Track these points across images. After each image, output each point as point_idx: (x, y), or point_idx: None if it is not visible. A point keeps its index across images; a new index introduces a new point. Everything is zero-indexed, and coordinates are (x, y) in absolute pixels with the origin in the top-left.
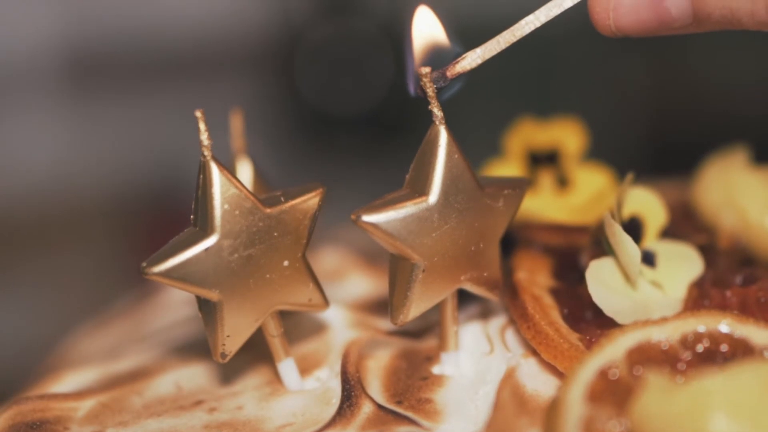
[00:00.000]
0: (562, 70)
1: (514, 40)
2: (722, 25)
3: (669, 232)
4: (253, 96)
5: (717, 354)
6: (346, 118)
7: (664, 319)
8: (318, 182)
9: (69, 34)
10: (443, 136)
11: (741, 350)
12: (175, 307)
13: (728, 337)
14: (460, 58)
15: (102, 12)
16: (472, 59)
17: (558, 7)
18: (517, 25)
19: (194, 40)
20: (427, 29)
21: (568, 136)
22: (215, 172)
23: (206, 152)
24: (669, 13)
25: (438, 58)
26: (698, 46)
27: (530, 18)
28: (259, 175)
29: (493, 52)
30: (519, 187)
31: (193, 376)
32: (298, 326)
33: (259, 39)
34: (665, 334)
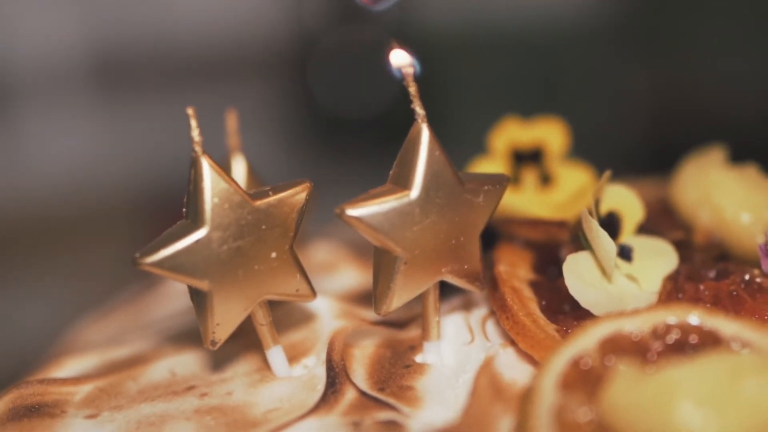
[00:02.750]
0: (563, 74)
1: None
2: None
3: (647, 228)
4: (268, 98)
5: (686, 345)
6: (357, 120)
7: (636, 311)
8: (305, 178)
9: (94, 39)
10: (425, 134)
11: (710, 341)
12: (175, 297)
13: (698, 329)
14: None
15: (125, 17)
16: None
17: None
18: None
19: (214, 46)
20: None
21: (551, 135)
22: (206, 167)
23: (197, 148)
24: None
25: None
26: (698, 51)
27: None
28: (252, 171)
29: None
30: (499, 183)
31: (187, 363)
32: (287, 316)
33: (275, 44)
34: (637, 326)
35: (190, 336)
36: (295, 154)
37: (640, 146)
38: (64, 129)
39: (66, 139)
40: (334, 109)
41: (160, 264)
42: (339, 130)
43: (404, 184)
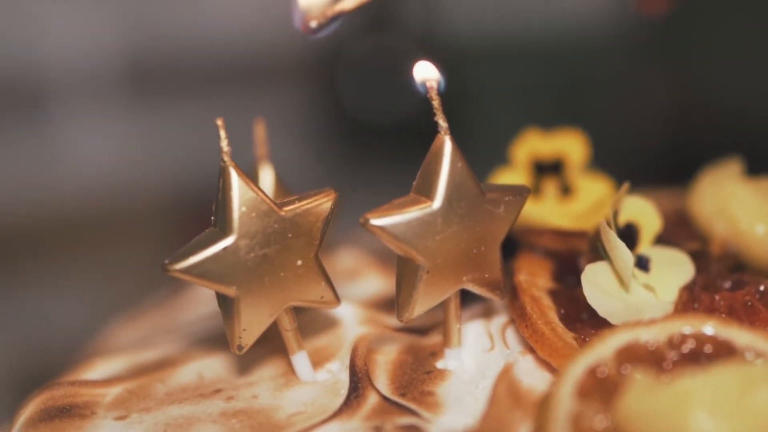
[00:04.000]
0: (586, 85)
1: None
2: None
3: (664, 239)
4: (297, 104)
5: (701, 354)
6: (383, 128)
7: (652, 321)
8: (332, 185)
9: (128, 43)
10: (447, 146)
11: (724, 351)
12: (204, 301)
13: (712, 339)
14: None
15: (159, 23)
16: (349, 1)
17: None
18: None
19: (244, 52)
20: None
21: (571, 147)
22: (234, 177)
23: (226, 158)
24: None
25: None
26: (721, 62)
27: None
28: (279, 179)
29: None
30: (519, 194)
31: (214, 366)
32: (312, 322)
33: (304, 51)
34: (653, 335)
35: (217, 340)
36: (322, 161)
37: (661, 157)
38: (98, 131)
39: (100, 142)
40: (361, 116)
41: (188, 270)
42: (366, 137)
43: (427, 194)
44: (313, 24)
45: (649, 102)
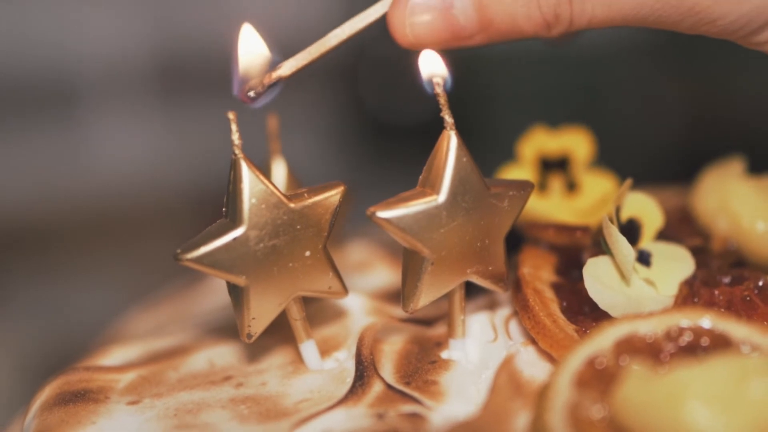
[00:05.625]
0: (596, 85)
1: (324, 50)
2: (506, 33)
3: (667, 235)
4: (321, 104)
5: (698, 347)
6: (404, 127)
7: (651, 314)
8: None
9: (159, 43)
10: (453, 141)
11: (721, 344)
12: (217, 292)
13: (709, 332)
14: (276, 67)
15: (189, 23)
16: (286, 68)
17: (362, 21)
18: (325, 38)
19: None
20: (249, 42)
21: (577, 144)
22: (245, 170)
23: (237, 151)
24: (458, 21)
25: (258, 67)
26: (733, 63)
27: (337, 31)
28: (292, 174)
29: (305, 62)
30: (524, 189)
31: (225, 354)
32: (321, 311)
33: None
34: (651, 328)
35: (229, 329)
36: (345, 159)
37: (671, 156)
38: (128, 129)
39: (129, 139)
40: (381, 115)
41: (199, 260)
42: (388, 137)
43: (432, 188)
44: (252, 93)
45: (664, 105)
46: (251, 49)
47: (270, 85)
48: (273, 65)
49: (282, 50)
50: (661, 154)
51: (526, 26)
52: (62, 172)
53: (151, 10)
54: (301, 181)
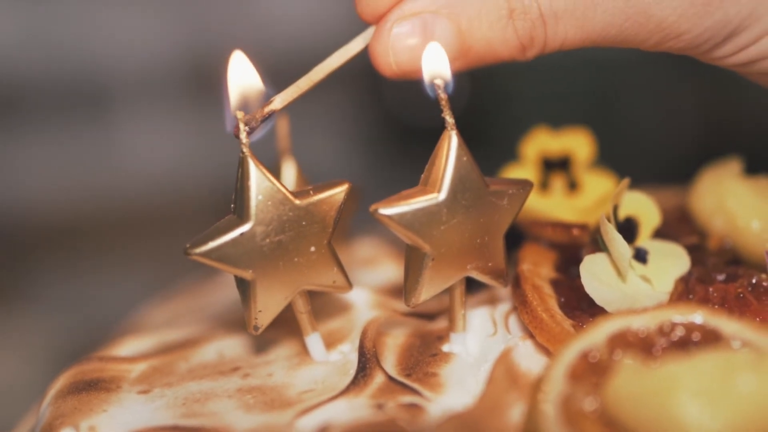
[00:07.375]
0: (604, 87)
1: (312, 84)
2: (483, 58)
3: (664, 233)
4: (344, 107)
5: (689, 342)
6: (425, 129)
7: (644, 309)
8: (345, 179)
9: (190, 48)
10: (454, 140)
11: (711, 339)
12: (231, 286)
13: (701, 327)
14: (268, 101)
15: (218, 26)
16: (277, 102)
17: (347, 52)
18: (313, 71)
19: (298, 57)
20: (241, 75)
21: (578, 144)
22: (252, 167)
23: (245, 149)
24: None
25: (251, 100)
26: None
27: (324, 64)
28: (301, 173)
29: (295, 96)
30: (523, 187)
31: (235, 346)
32: (327, 305)
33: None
34: (644, 323)
35: (239, 323)
36: (364, 158)
37: (682, 160)
38: (158, 131)
39: (159, 141)
40: (404, 117)
41: (207, 254)
42: (407, 137)
43: (433, 186)
44: (245, 129)
45: (676, 109)
46: (243, 82)
47: (263, 120)
48: (265, 98)
49: (313, 53)
50: (672, 157)
51: (503, 50)
52: (93, 172)
53: (183, 15)
54: (310, 182)
